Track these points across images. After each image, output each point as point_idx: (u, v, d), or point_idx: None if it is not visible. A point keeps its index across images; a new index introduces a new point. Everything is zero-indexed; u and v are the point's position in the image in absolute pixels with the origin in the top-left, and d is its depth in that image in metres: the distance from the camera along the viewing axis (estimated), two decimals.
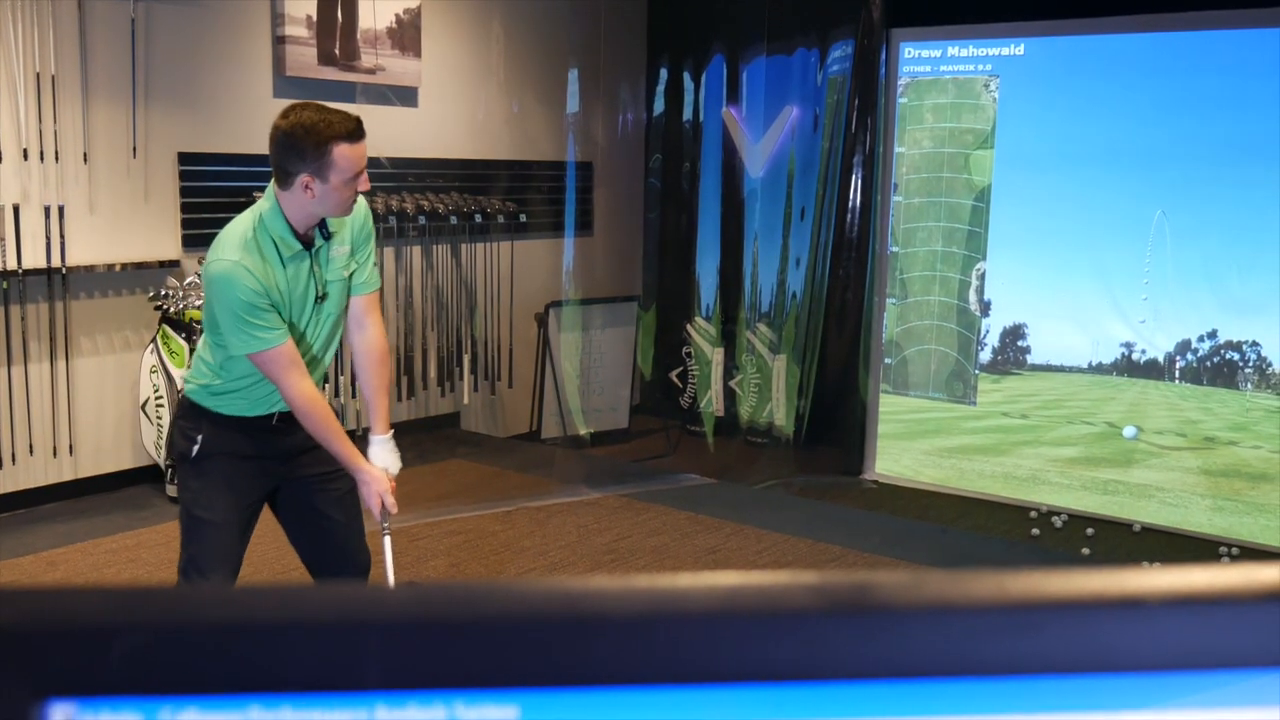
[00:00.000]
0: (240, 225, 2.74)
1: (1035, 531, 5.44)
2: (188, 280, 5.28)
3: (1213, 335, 5.43)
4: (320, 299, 2.83)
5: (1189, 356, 5.50)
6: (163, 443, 5.22)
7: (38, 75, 4.92)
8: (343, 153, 2.66)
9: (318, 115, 2.68)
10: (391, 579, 2.98)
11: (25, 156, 4.93)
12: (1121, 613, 0.35)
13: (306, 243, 2.78)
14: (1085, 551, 5.21)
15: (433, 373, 6.58)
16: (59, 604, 0.33)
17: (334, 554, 2.97)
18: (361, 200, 2.85)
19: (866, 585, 0.36)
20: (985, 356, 6.04)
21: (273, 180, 2.75)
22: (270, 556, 4.23)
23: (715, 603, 0.35)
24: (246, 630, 0.32)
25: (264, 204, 2.76)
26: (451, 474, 5.91)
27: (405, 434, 6.43)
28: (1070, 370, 5.85)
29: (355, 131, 2.69)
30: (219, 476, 2.84)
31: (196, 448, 2.82)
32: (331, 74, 5.88)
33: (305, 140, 2.65)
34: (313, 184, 2.66)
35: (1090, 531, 5.39)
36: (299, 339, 2.82)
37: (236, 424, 2.85)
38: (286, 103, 5.96)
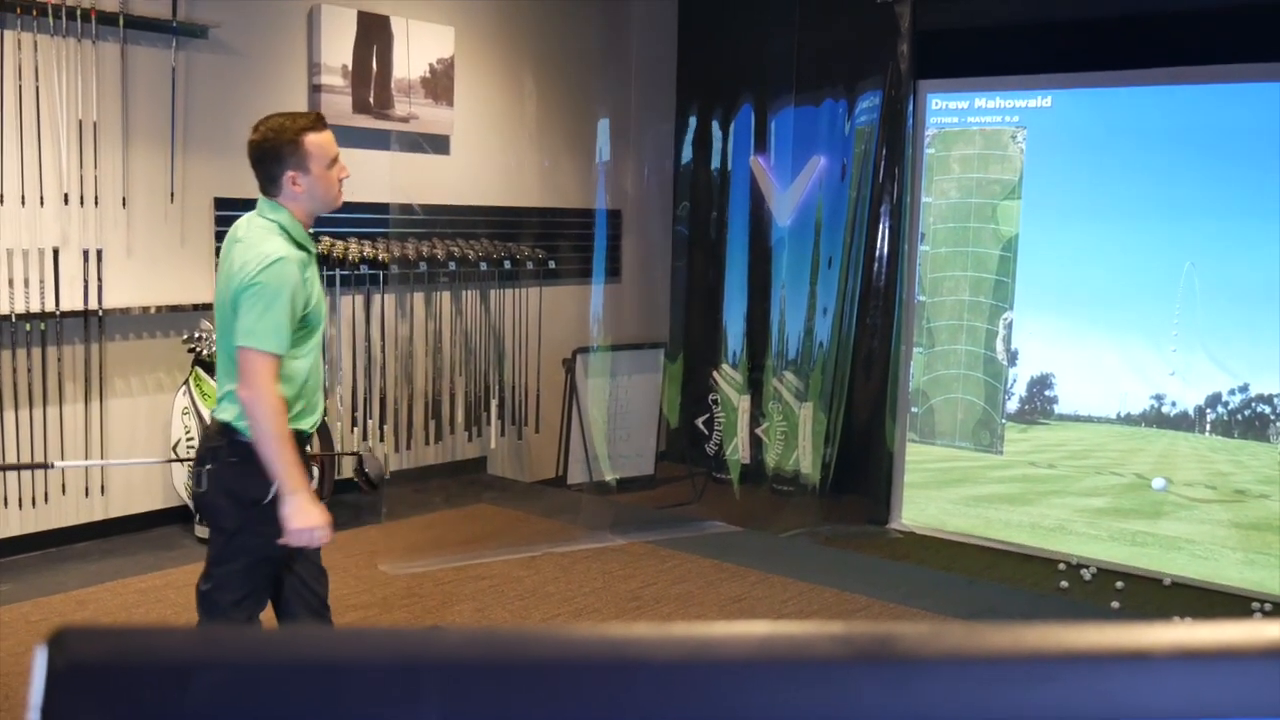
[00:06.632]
0: (264, 228, 2.79)
1: (1064, 584, 5.40)
2: None
3: (1244, 389, 5.39)
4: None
5: (1219, 409, 5.46)
6: (193, 483, 5.25)
7: (80, 122, 5.03)
8: (314, 140, 2.80)
9: (282, 117, 2.86)
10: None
11: (66, 201, 5.03)
12: (1130, 665, 0.37)
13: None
14: (1115, 605, 5.16)
15: (460, 417, 6.61)
16: (138, 642, 0.36)
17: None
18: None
19: (890, 636, 0.38)
20: (1012, 406, 6.02)
21: (263, 198, 2.85)
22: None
23: (748, 650, 0.37)
24: (313, 670, 0.35)
25: (272, 214, 2.82)
26: (478, 518, 5.93)
27: (432, 478, 6.52)
28: (1098, 421, 5.82)
29: (318, 121, 2.85)
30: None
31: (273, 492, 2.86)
32: (366, 122, 5.98)
33: (278, 140, 2.79)
34: (299, 178, 2.80)
35: (1120, 585, 5.34)
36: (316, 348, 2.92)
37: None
38: None
